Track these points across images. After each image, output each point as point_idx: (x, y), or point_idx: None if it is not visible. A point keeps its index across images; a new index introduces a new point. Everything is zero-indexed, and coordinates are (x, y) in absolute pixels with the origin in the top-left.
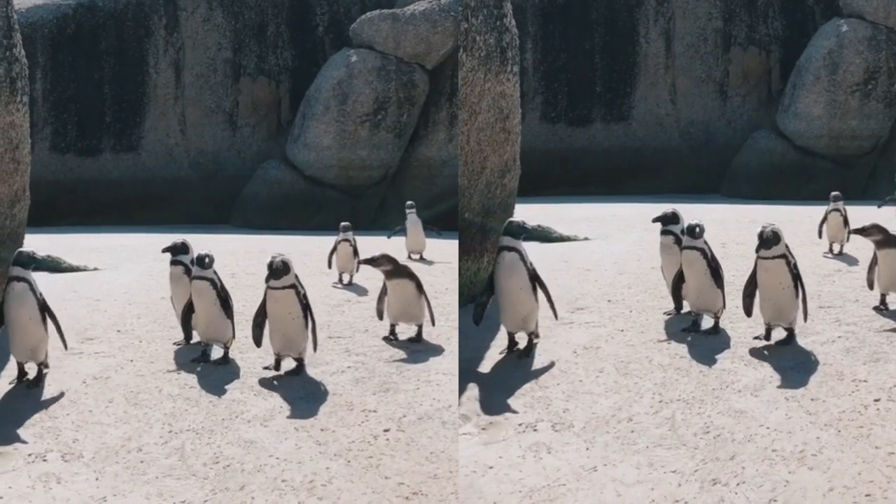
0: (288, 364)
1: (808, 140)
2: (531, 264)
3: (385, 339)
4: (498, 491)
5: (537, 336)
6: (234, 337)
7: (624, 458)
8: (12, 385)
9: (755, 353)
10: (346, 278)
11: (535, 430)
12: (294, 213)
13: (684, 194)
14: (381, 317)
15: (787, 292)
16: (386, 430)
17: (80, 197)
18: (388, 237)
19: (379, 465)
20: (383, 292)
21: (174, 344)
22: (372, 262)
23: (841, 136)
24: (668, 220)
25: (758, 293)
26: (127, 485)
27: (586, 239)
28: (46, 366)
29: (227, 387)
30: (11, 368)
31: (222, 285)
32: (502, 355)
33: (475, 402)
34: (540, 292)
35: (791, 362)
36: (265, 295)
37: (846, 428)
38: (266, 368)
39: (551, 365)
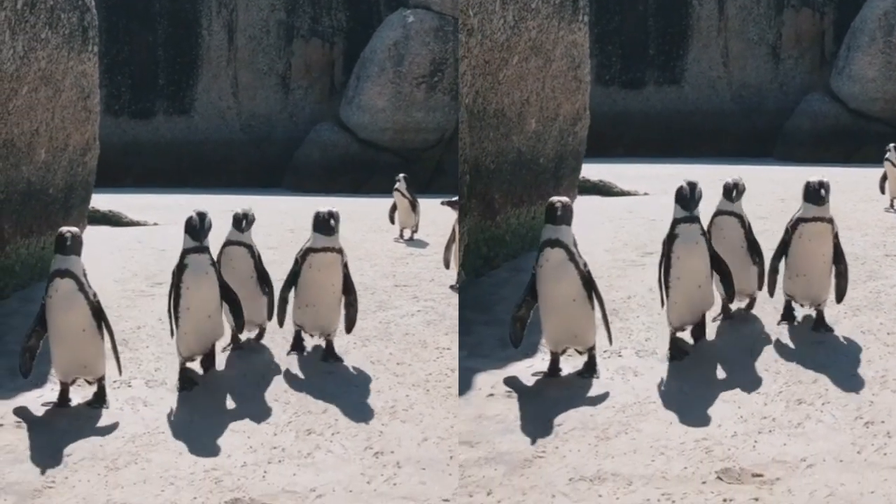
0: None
1: (861, 103)
2: (585, 264)
3: (452, 287)
4: (592, 406)
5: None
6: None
7: (708, 381)
8: (47, 407)
9: None
10: (406, 234)
11: (620, 357)
12: (347, 176)
13: (736, 157)
14: (447, 265)
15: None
16: (452, 371)
17: (133, 160)
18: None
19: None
20: (451, 239)
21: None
22: (451, 203)
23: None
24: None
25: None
26: (211, 408)
27: (646, 194)
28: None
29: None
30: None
31: (259, 256)
32: (537, 378)
33: None
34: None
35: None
36: (303, 258)
37: None
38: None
39: None
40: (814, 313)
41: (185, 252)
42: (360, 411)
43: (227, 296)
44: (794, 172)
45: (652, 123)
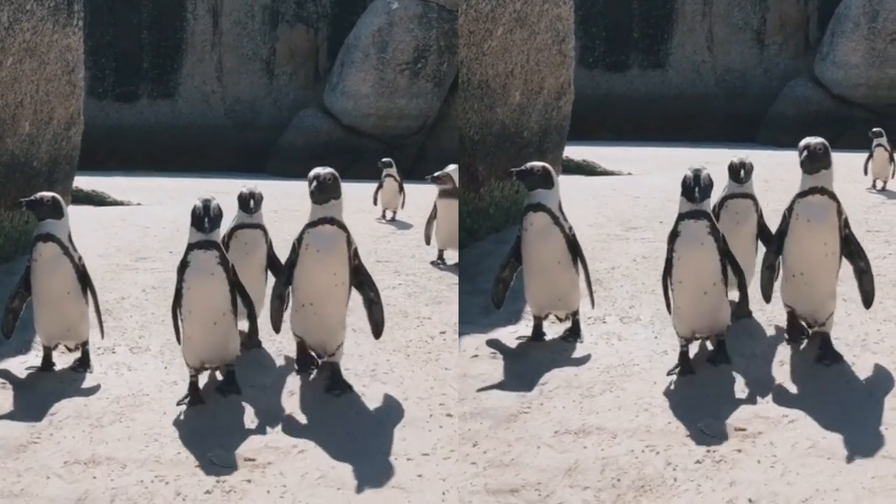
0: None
1: (845, 89)
2: (570, 228)
3: (433, 263)
4: (576, 366)
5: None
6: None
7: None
8: (30, 371)
9: None
10: (388, 214)
11: (604, 323)
12: (331, 162)
13: (720, 142)
14: (428, 241)
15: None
16: (442, 333)
17: (117, 143)
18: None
19: (438, 360)
20: (432, 216)
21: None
22: (436, 179)
23: (879, 85)
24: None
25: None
26: None
27: (630, 174)
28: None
29: None
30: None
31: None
32: (520, 341)
33: None
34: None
35: None
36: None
37: None
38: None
39: None
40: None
41: (189, 247)
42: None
43: (242, 299)
44: (778, 157)
45: (635, 107)
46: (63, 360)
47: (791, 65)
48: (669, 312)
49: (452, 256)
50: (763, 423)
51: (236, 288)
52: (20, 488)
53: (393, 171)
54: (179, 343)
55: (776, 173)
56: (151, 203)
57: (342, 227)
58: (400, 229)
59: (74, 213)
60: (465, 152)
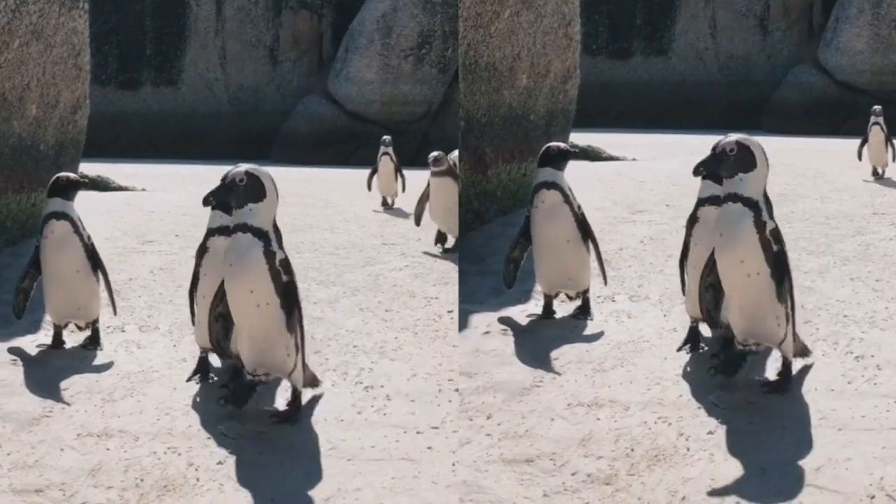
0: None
1: (849, 75)
2: (579, 206)
3: (430, 252)
4: (587, 343)
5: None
6: None
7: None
8: (41, 349)
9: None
10: (388, 201)
11: (613, 301)
12: (334, 148)
13: (724, 129)
14: (418, 222)
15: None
16: (450, 311)
17: (120, 130)
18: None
19: (446, 337)
20: (424, 196)
21: None
22: (435, 160)
23: (884, 71)
24: None
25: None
26: None
27: (634, 160)
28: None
29: None
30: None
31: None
32: (531, 319)
33: None
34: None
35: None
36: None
37: None
38: None
39: None
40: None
41: (210, 232)
42: (349, 351)
43: None
44: (781, 143)
45: (639, 94)
46: (73, 338)
47: (795, 51)
48: (683, 294)
49: (450, 239)
50: (773, 397)
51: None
52: (34, 459)
53: (390, 150)
54: (193, 325)
55: (779, 159)
56: (155, 189)
57: (260, 234)
58: (405, 215)
59: (80, 197)
60: (472, 135)
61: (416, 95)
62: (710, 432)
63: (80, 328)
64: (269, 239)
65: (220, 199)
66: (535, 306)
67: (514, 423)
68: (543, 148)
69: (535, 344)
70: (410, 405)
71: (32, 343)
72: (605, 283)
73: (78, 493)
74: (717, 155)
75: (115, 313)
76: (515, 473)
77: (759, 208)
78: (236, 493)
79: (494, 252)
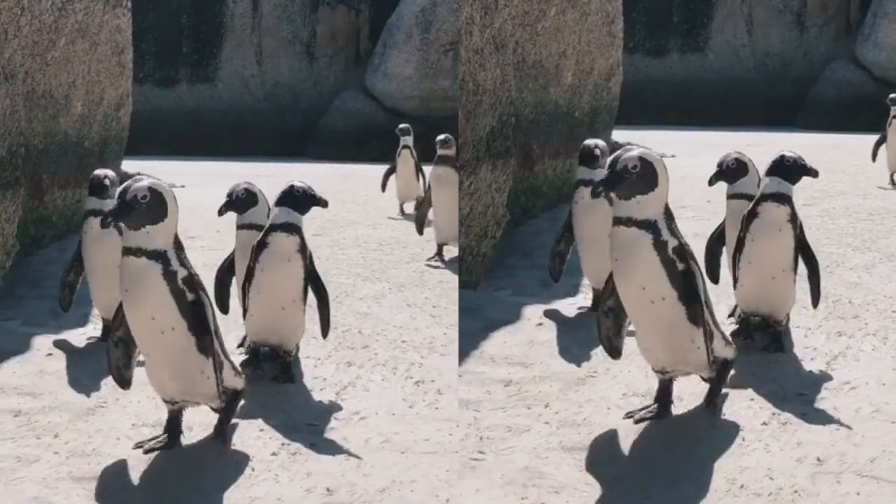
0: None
1: (887, 71)
2: None
3: (428, 262)
4: None
5: None
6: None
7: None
8: (91, 342)
9: None
10: (407, 208)
11: None
12: (372, 144)
13: (760, 126)
14: (420, 229)
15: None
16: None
17: (158, 127)
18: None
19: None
20: (427, 200)
21: None
22: (443, 143)
23: None
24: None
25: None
26: None
27: (673, 156)
28: None
29: (334, 270)
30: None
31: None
32: (581, 311)
33: None
34: None
35: None
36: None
37: None
38: None
39: None
40: None
41: (271, 228)
42: (399, 346)
43: (317, 292)
44: (820, 140)
45: (675, 91)
46: None
47: (832, 47)
48: (734, 288)
49: (452, 251)
50: (824, 390)
51: (311, 280)
52: (92, 448)
53: (410, 143)
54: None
55: (816, 156)
56: (194, 186)
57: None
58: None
59: None
60: (520, 131)
61: (456, 91)
62: (763, 423)
63: None
64: (167, 259)
65: (119, 218)
66: (583, 299)
67: (571, 412)
68: (583, 146)
69: (587, 335)
70: (462, 399)
71: (82, 336)
72: None
73: (134, 482)
74: (618, 172)
75: None
76: (575, 461)
77: (658, 228)
78: (291, 483)
79: (541, 246)
